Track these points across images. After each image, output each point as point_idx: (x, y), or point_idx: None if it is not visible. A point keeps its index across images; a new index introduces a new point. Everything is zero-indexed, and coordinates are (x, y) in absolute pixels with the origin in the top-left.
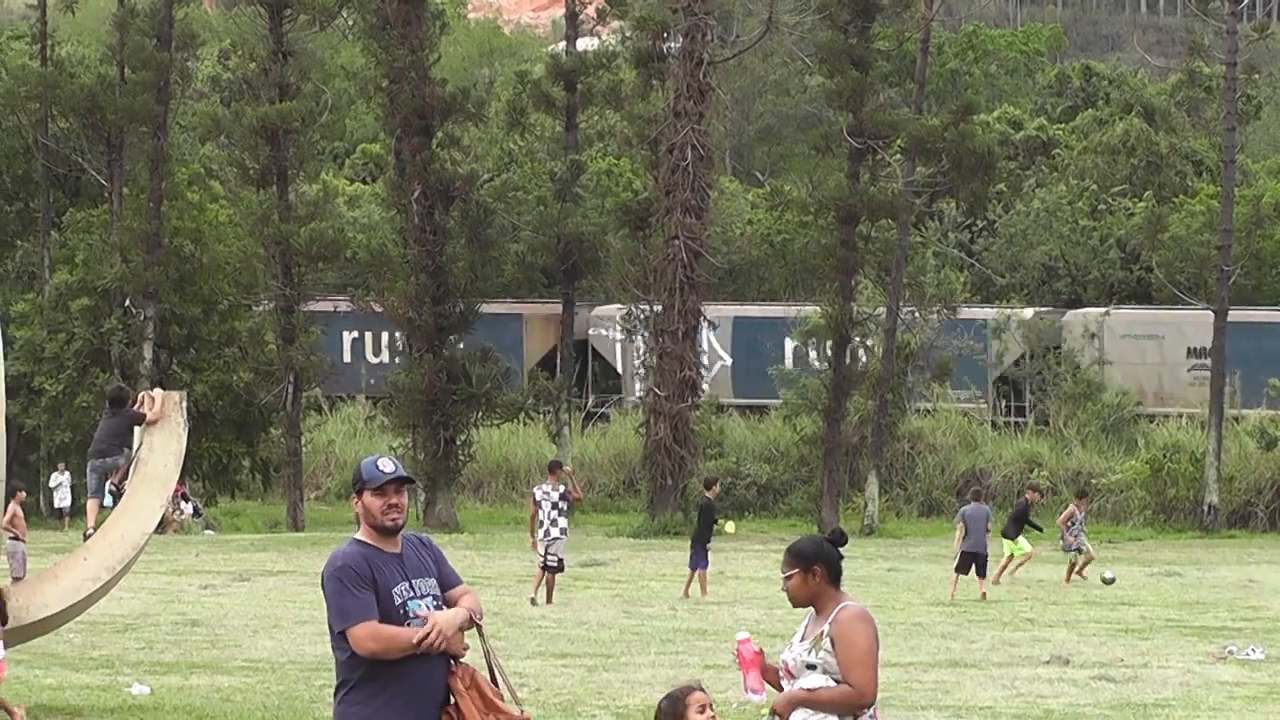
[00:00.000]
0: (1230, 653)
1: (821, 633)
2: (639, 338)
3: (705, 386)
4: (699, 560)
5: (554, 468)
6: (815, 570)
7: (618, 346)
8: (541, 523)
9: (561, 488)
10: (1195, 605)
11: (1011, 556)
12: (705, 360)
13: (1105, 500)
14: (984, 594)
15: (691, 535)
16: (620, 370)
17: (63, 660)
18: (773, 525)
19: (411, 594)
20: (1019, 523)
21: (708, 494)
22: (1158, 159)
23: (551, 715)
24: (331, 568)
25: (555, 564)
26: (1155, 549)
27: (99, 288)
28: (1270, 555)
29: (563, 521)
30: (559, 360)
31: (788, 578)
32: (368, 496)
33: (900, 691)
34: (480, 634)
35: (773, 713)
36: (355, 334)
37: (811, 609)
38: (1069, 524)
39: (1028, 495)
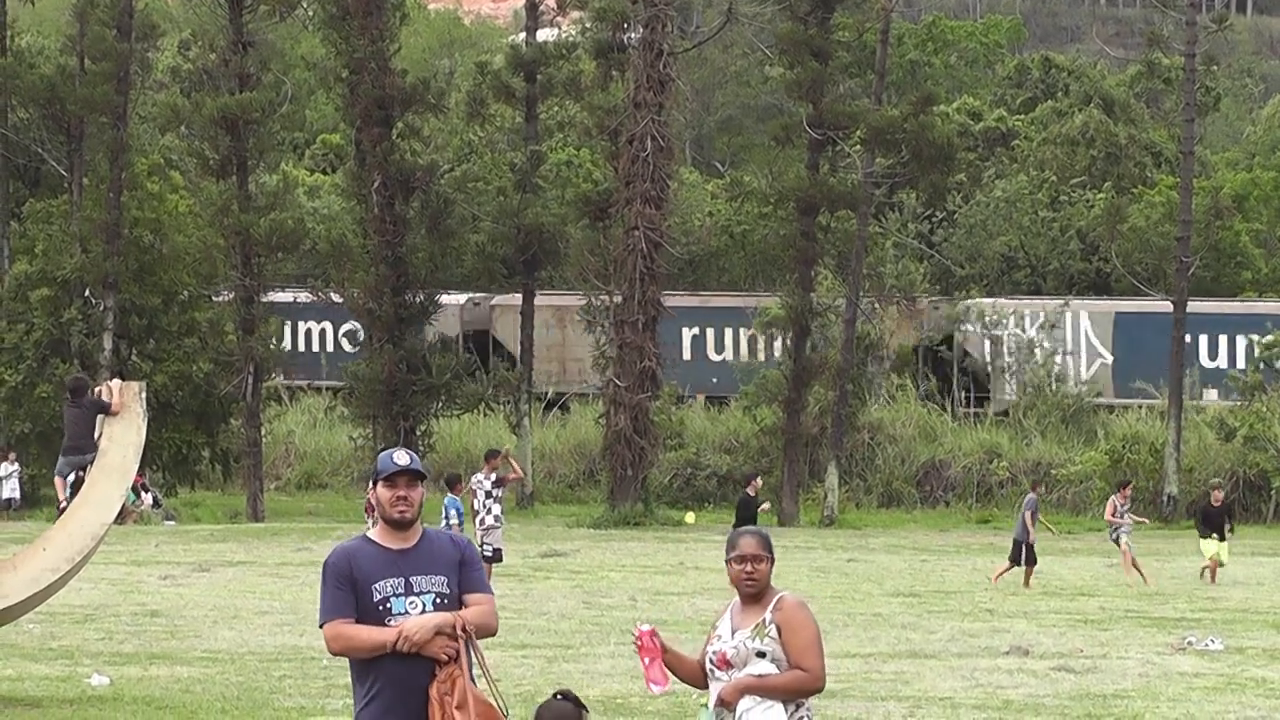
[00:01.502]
0: (1189, 643)
1: (763, 621)
2: (1008, 334)
3: (1083, 385)
4: None
5: (489, 456)
6: (772, 562)
7: (986, 343)
8: (476, 512)
9: (494, 475)
10: (1154, 596)
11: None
12: (1084, 358)
13: (1065, 491)
14: (1026, 583)
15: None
16: (990, 370)
17: (22, 651)
18: (733, 516)
19: (400, 591)
20: (1211, 523)
21: (746, 490)
22: (1117, 150)
23: (511, 706)
24: (323, 564)
25: (490, 553)
26: None
27: (58, 278)
28: (1229, 546)
29: (497, 509)
30: (519, 349)
31: (760, 562)
32: (380, 488)
33: (860, 682)
34: (470, 647)
35: (720, 701)
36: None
37: (735, 602)
38: (1115, 516)
39: (1214, 495)
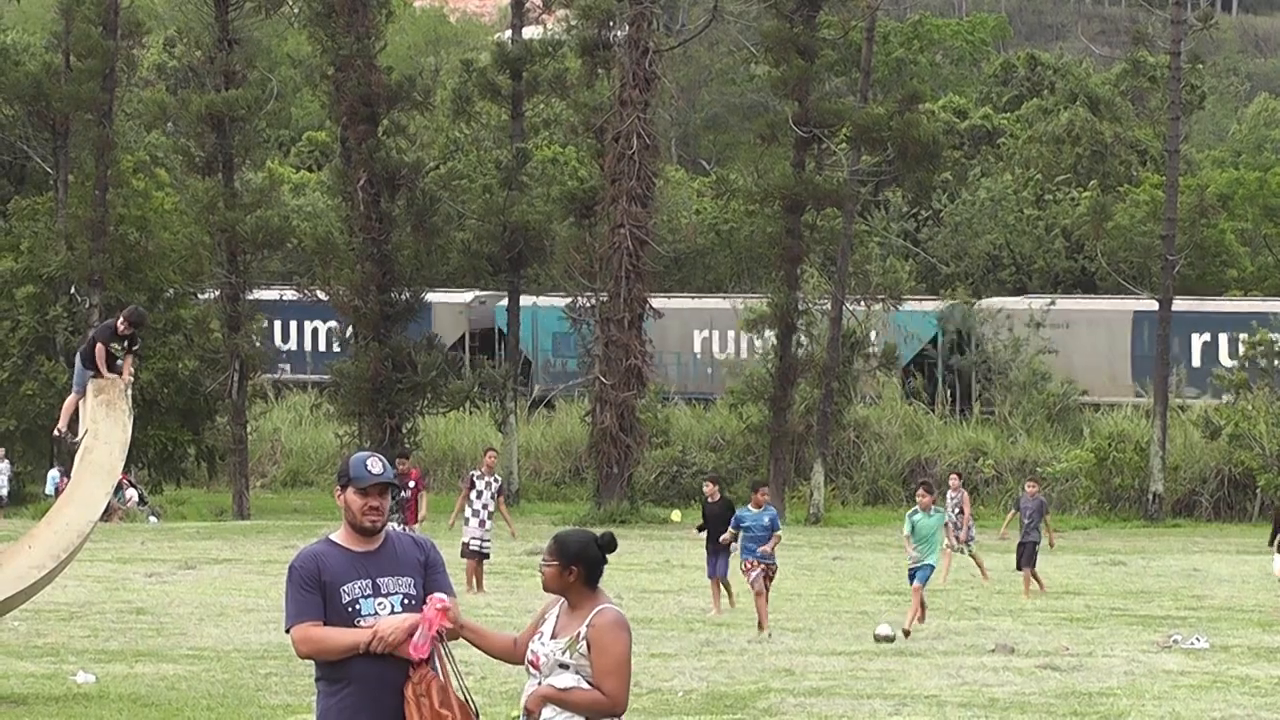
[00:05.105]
0: (1175, 642)
1: (578, 634)
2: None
3: None
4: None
5: (487, 451)
6: (572, 569)
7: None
8: (474, 510)
9: (489, 477)
10: (1140, 594)
11: None
12: None
13: (1051, 489)
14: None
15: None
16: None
17: (7, 648)
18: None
19: (369, 593)
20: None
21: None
22: (1102, 148)
23: (497, 703)
24: (289, 568)
25: (487, 553)
26: (1100, 538)
27: (44, 275)
28: (1214, 544)
29: (483, 514)
30: (497, 348)
31: (546, 565)
32: (350, 493)
33: (845, 680)
34: (440, 647)
35: (525, 710)
36: None
37: (563, 600)
38: (955, 511)
39: None
